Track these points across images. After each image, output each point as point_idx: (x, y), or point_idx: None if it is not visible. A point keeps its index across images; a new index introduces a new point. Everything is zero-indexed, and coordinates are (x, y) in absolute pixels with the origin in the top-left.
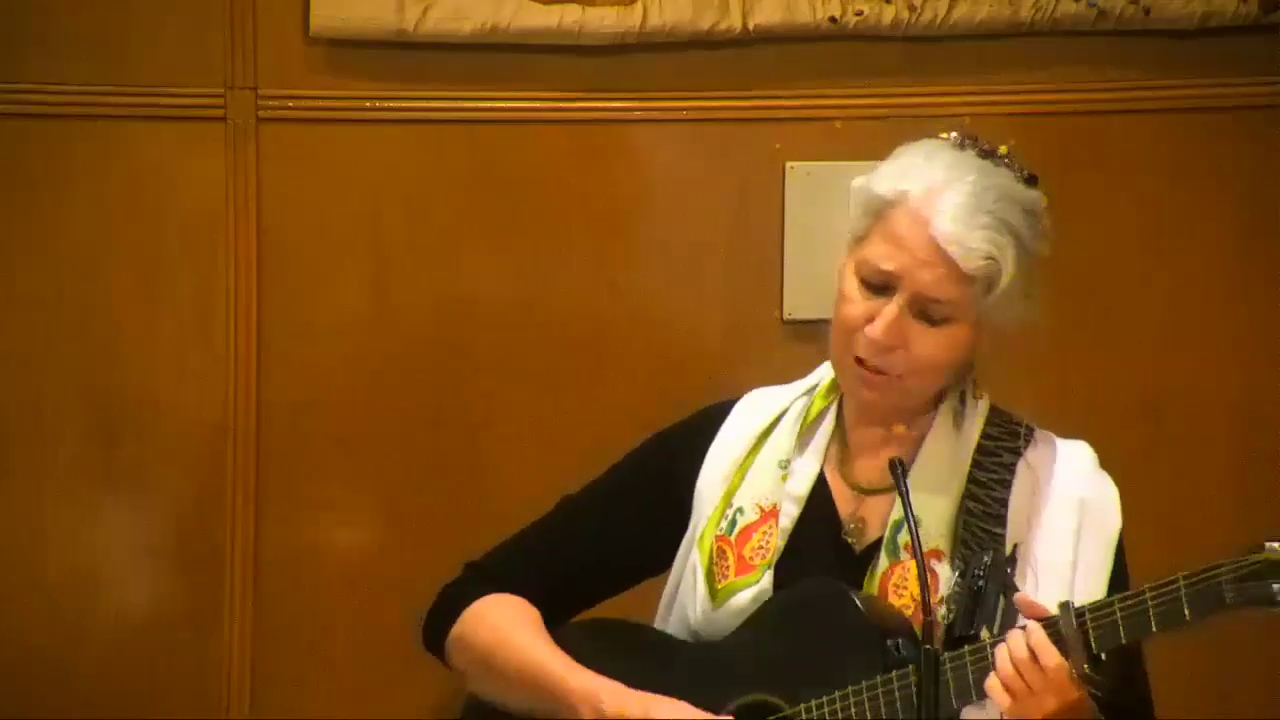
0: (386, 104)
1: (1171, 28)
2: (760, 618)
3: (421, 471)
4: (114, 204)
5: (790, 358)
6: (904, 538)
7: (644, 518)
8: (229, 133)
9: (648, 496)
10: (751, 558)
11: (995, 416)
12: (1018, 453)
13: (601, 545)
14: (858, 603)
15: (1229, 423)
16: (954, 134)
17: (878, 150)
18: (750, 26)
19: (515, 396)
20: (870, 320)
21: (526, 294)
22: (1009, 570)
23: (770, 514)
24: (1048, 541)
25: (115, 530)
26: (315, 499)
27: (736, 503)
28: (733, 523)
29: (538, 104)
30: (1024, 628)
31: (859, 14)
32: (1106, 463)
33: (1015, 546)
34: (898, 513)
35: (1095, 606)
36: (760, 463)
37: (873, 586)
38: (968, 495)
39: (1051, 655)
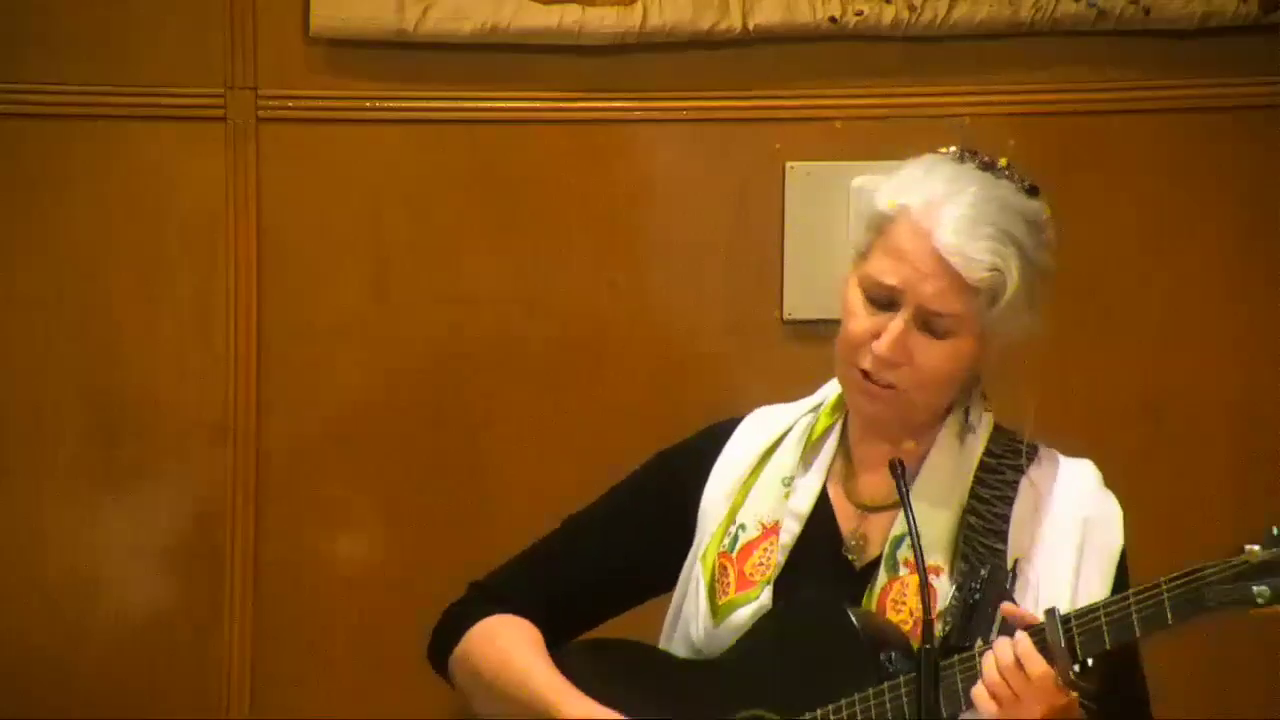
0: (386, 104)
1: (1171, 28)
2: (758, 634)
3: (421, 471)
4: (114, 204)
5: (790, 358)
6: (903, 553)
7: (647, 537)
8: (229, 133)
9: (651, 515)
10: (752, 574)
11: (999, 434)
12: (1021, 470)
13: (605, 565)
14: (854, 618)
15: (1229, 423)
16: (953, 148)
17: (878, 150)
18: (750, 26)
19: (515, 396)
20: (876, 335)
21: (526, 294)
22: (1008, 585)
23: (772, 530)
24: (1049, 558)
25: (115, 530)
26: (315, 499)
27: (739, 519)
28: (735, 539)
29: (538, 104)
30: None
31: (859, 14)
32: (1106, 463)
33: (1016, 561)
34: (897, 529)
35: (1080, 613)
36: (764, 480)
37: (871, 602)
38: (969, 510)
39: (1037, 663)
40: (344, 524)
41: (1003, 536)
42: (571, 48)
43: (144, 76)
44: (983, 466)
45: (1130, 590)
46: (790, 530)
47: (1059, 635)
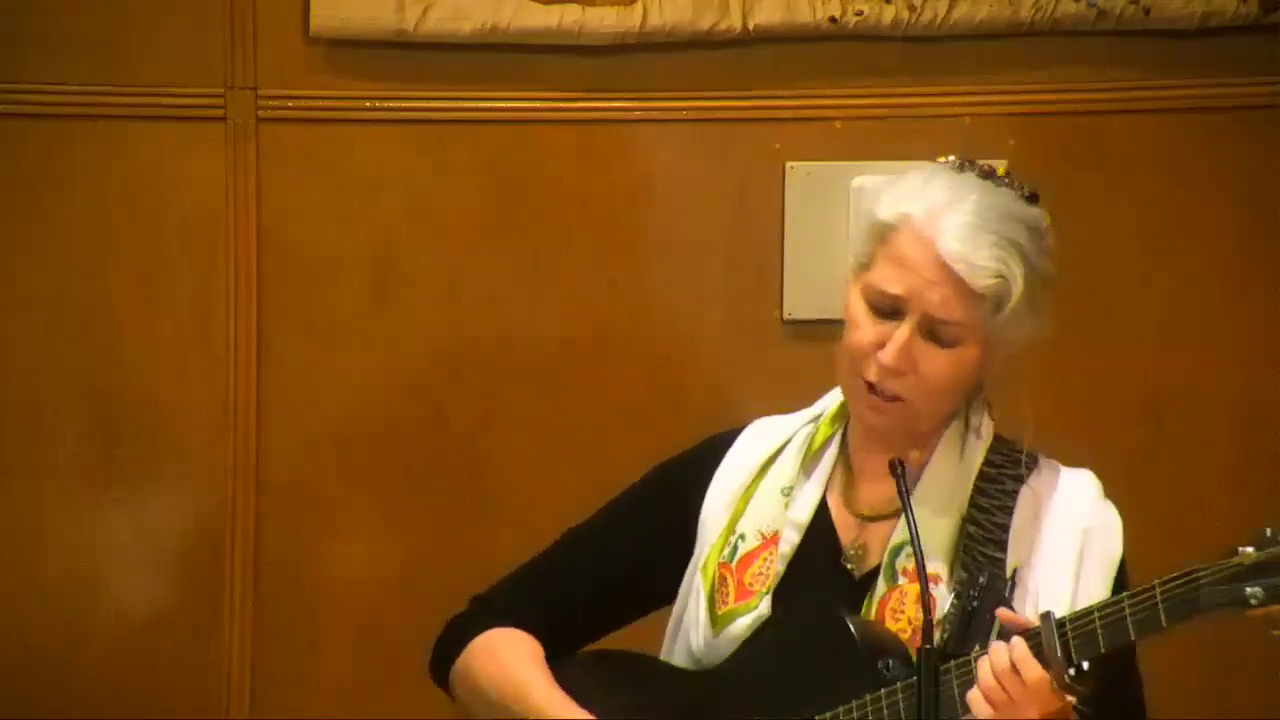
0: (386, 104)
1: (1171, 28)
2: (757, 642)
3: (421, 471)
4: (114, 204)
5: (790, 358)
6: (902, 562)
7: (648, 548)
8: (229, 133)
9: (651, 526)
10: (751, 584)
11: (999, 443)
12: (1020, 479)
13: (606, 577)
14: (852, 626)
15: (1229, 423)
16: (951, 157)
17: (878, 150)
18: (750, 26)
19: (515, 395)
20: (880, 346)
21: (527, 294)
22: (1006, 593)
23: (771, 540)
24: (1049, 566)
25: (115, 530)
26: (315, 499)
27: (739, 530)
28: (734, 549)
29: (538, 104)
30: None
31: (859, 14)
32: (1106, 463)
33: (1015, 570)
34: (896, 538)
35: (1075, 616)
36: (763, 490)
37: (870, 612)
38: (968, 519)
39: (1033, 668)
40: (344, 524)
41: (1002, 545)
42: (571, 48)
43: (144, 76)
44: (982, 476)
45: (1125, 593)
46: (789, 540)
47: (1054, 638)
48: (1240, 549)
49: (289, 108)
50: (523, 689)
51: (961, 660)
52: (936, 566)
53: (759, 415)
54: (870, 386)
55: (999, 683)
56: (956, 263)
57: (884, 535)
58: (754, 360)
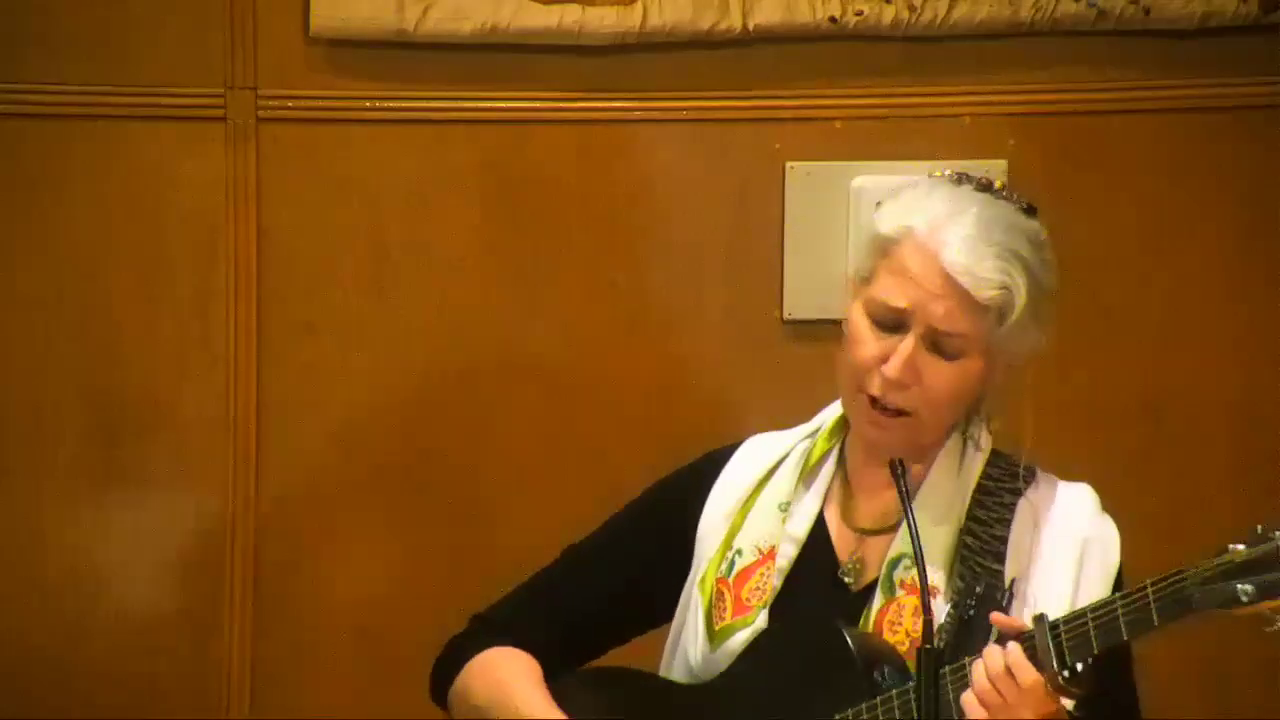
0: (386, 104)
1: (1171, 28)
2: (753, 657)
3: (421, 470)
4: (114, 204)
5: (790, 358)
6: (899, 575)
7: (648, 564)
8: (229, 133)
9: (651, 542)
10: (748, 599)
11: (997, 457)
12: (1018, 492)
13: (607, 593)
14: (849, 638)
15: (1229, 423)
16: (947, 170)
17: (878, 150)
18: (750, 26)
19: (515, 396)
20: (884, 359)
21: (527, 294)
22: (1003, 603)
23: (768, 555)
24: (1047, 576)
25: (115, 530)
26: (315, 499)
27: (736, 545)
28: (731, 564)
29: (538, 104)
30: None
31: (859, 14)
32: (1106, 463)
33: (1012, 581)
34: (894, 551)
35: (1068, 619)
36: (761, 505)
37: (868, 625)
38: (966, 531)
39: (1028, 671)
40: (343, 523)
41: (1000, 557)
42: (571, 48)
43: (144, 76)
44: (980, 489)
45: (1117, 595)
46: (787, 554)
47: (1048, 640)
48: (1231, 546)
49: (289, 108)
50: (520, 708)
51: (957, 665)
52: (934, 578)
53: (759, 415)
54: (873, 401)
55: (993, 685)
56: (960, 274)
57: (882, 549)
58: (754, 360)
